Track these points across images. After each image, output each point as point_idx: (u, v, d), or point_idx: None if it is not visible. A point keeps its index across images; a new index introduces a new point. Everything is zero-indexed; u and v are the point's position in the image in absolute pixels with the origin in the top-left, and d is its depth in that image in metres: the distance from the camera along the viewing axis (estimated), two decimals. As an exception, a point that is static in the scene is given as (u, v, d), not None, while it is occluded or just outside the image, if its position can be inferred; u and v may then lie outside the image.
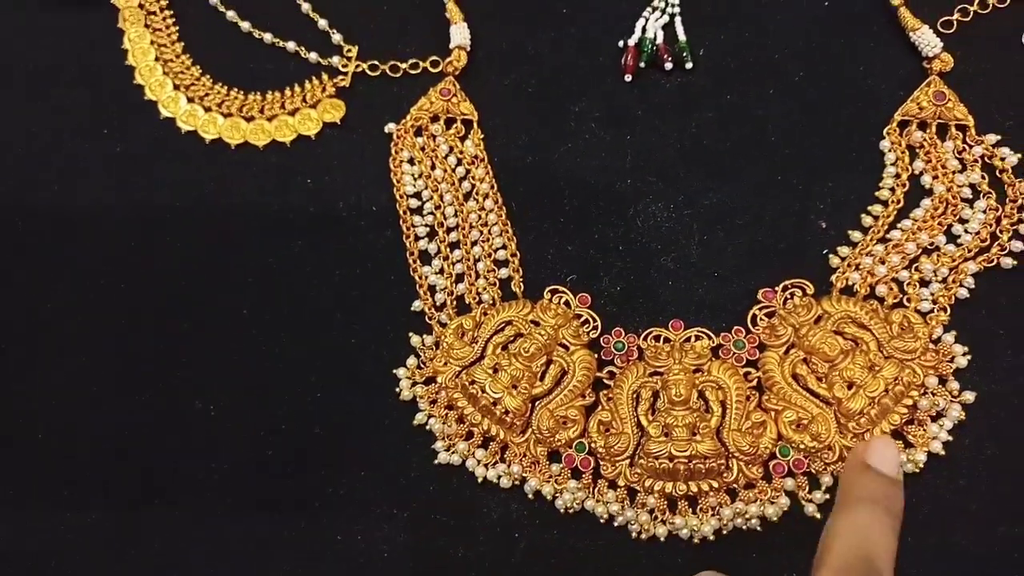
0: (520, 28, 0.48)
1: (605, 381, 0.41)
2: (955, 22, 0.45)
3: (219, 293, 0.45)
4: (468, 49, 0.47)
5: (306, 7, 0.50)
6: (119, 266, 0.45)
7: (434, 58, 0.48)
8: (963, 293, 0.41)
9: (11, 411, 0.43)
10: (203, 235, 0.46)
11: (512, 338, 0.42)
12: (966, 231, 0.41)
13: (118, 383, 0.43)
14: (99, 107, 0.49)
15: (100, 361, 0.43)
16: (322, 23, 0.49)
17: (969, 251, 0.41)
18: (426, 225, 0.45)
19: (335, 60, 0.48)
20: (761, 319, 0.41)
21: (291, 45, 0.49)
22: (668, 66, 0.46)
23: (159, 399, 0.42)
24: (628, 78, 0.46)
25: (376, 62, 0.48)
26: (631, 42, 0.46)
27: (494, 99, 0.47)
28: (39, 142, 0.49)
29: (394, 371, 0.42)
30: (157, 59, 0.50)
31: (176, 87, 0.49)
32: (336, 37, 0.49)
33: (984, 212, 0.41)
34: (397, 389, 0.42)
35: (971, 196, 0.42)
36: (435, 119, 0.47)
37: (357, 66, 0.48)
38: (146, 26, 0.51)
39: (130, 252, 0.46)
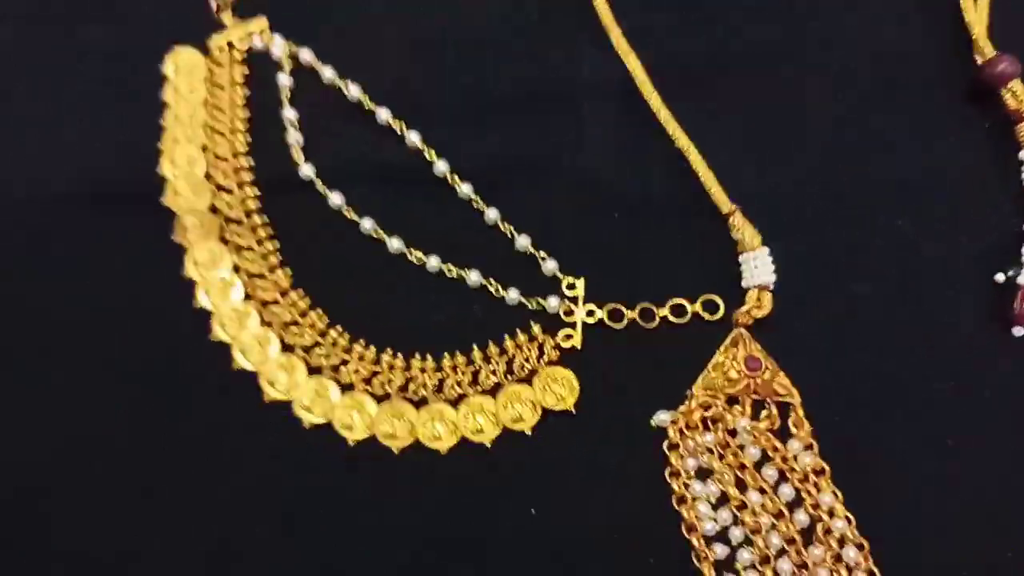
0: (832, 253, 0.32)
1: None
2: None
3: None
4: (772, 289, 0.32)
5: (493, 215, 0.33)
6: None
7: (709, 298, 0.32)
8: None
9: None
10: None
11: None
12: None
13: None
14: (155, 382, 0.31)
15: None
16: (522, 241, 0.33)
17: None
18: None
19: (551, 303, 0.32)
20: None
21: (474, 277, 0.32)
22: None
23: None
24: (1020, 332, 0.32)
25: (620, 306, 0.32)
26: (1022, 280, 0.32)
27: (814, 368, 0.31)
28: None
29: None
30: (248, 298, 0.33)
31: (287, 347, 0.32)
32: (549, 265, 0.33)
33: None
34: None
35: None
36: (732, 401, 0.31)
37: (589, 311, 0.32)
38: (224, 241, 0.33)
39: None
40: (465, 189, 0.34)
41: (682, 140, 0.33)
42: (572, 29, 0.36)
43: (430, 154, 0.34)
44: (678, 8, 0.36)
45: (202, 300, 0.32)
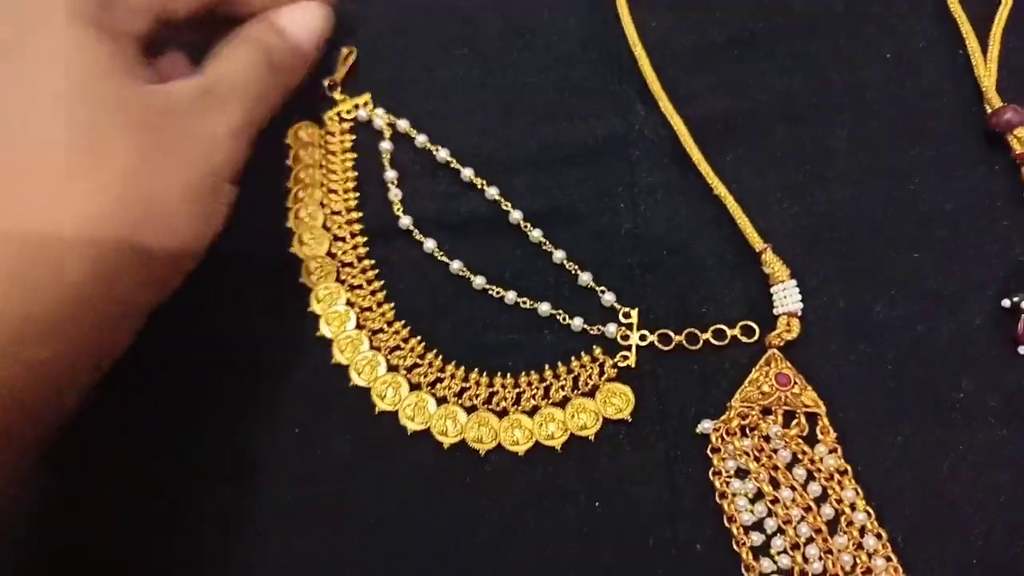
0: (855, 283, 0.37)
1: None
2: None
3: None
4: (799, 315, 0.37)
5: (560, 255, 0.39)
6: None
7: (746, 323, 0.37)
8: None
9: None
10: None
11: None
12: None
13: None
14: (287, 397, 0.38)
15: None
16: (584, 277, 0.39)
17: None
18: (779, 572, 0.34)
19: (610, 329, 0.38)
20: None
21: (544, 308, 0.38)
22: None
23: None
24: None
25: (669, 332, 0.38)
26: (1025, 302, 0.36)
27: (838, 383, 0.36)
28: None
29: None
30: (360, 327, 0.39)
31: (392, 368, 0.38)
32: (607, 297, 0.38)
33: None
34: None
35: None
36: (766, 412, 0.36)
37: (642, 336, 0.38)
38: (339, 281, 0.40)
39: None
40: (536, 234, 0.40)
41: (720, 188, 0.39)
42: (626, 92, 0.42)
43: (506, 205, 0.41)
44: (717, 71, 0.42)
45: (324, 330, 0.39)
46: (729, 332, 0.37)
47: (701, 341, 0.37)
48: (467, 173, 0.41)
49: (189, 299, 0.38)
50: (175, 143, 0.31)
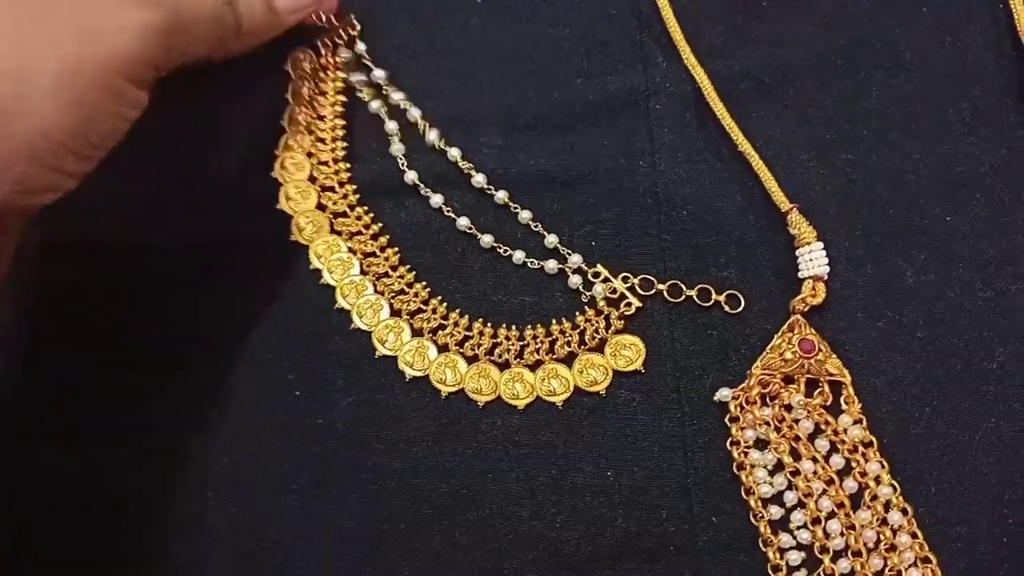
0: (885, 247, 0.36)
1: None
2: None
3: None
4: (825, 279, 0.35)
5: (526, 216, 0.36)
6: None
7: (732, 292, 0.35)
8: None
9: None
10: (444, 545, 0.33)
11: None
12: None
13: None
14: (288, 335, 0.35)
15: None
16: (551, 239, 0.36)
17: None
18: (798, 547, 0.32)
19: (597, 289, 0.35)
20: None
21: (551, 264, 0.36)
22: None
23: None
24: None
25: (679, 282, 0.36)
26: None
27: (865, 351, 0.34)
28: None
29: None
30: (364, 272, 0.37)
31: (395, 312, 0.36)
32: (574, 259, 0.36)
33: None
34: None
35: None
36: (788, 380, 0.34)
37: (645, 282, 0.35)
38: (335, 232, 0.38)
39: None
40: (501, 195, 0.37)
41: (744, 145, 0.37)
42: (647, 44, 0.39)
43: (467, 167, 0.38)
44: (744, 25, 0.39)
45: (327, 278, 0.37)
46: (715, 296, 0.34)
47: (712, 298, 0.35)
48: (431, 136, 0.38)
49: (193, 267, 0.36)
50: (68, 15, 0.27)
